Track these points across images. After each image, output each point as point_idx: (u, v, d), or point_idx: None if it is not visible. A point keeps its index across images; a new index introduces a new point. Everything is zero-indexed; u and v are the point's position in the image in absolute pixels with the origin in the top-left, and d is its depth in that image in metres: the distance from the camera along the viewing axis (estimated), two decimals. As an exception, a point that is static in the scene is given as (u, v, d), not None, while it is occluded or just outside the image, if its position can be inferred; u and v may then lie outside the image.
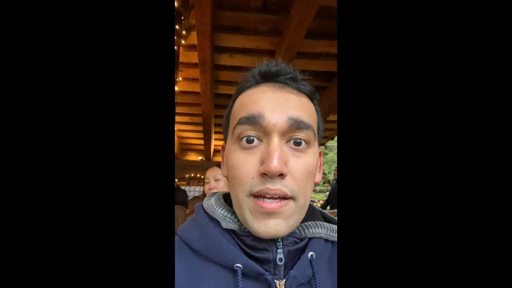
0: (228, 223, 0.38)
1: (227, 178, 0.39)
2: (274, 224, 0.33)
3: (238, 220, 0.38)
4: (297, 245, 0.37)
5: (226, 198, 0.43)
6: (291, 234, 0.37)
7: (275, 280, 0.34)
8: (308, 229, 0.39)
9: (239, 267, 0.34)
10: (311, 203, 0.42)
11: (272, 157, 0.32)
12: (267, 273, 0.34)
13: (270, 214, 0.33)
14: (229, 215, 0.38)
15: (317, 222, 0.40)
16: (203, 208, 0.41)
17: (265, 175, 0.33)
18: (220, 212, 0.39)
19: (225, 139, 0.42)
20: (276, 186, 0.33)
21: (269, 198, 0.33)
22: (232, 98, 0.42)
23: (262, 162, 0.33)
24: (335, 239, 0.41)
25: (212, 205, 0.41)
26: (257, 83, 0.39)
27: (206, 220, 0.39)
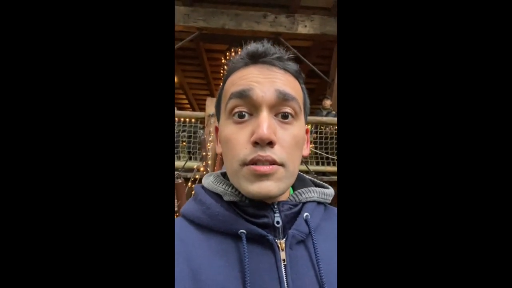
0: (230, 196, 0.41)
1: (222, 155, 0.43)
2: (266, 185, 0.37)
3: (239, 193, 0.41)
4: (291, 210, 0.41)
5: (223, 176, 0.46)
6: (286, 202, 0.41)
7: (276, 240, 0.38)
8: (301, 195, 0.44)
9: (243, 233, 0.38)
10: (300, 173, 0.47)
11: (262, 126, 0.36)
12: (268, 234, 0.38)
13: (263, 176, 0.37)
14: (229, 189, 0.42)
15: (309, 188, 0.45)
16: (203, 188, 0.45)
17: (257, 144, 0.36)
18: (221, 187, 0.42)
19: (218, 120, 0.45)
20: (267, 153, 0.36)
21: (261, 163, 0.37)
22: (223, 79, 0.46)
23: (253, 134, 0.37)
24: (327, 201, 0.46)
25: (212, 182, 0.44)
26: (246, 64, 0.41)
27: (207, 197, 0.42)
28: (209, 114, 3.82)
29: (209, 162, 3.42)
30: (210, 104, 3.95)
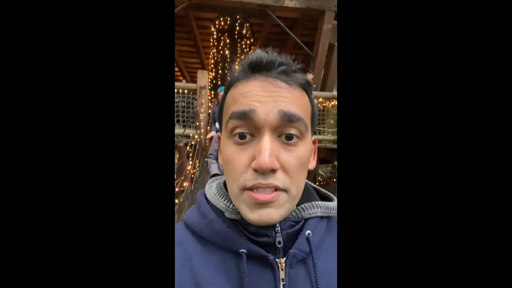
0: (231, 214, 0.40)
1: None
2: (267, 212, 0.36)
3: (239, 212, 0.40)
4: (293, 228, 0.39)
5: (225, 187, 0.43)
6: (288, 219, 0.40)
7: (277, 260, 0.38)
8: (304, 211, 0.42)
9: (244, 252, 0.37)
10: (307, 181, 0.45)
11: (263, 153, 0.34)
12: (269, 254, 0.37)
13: (263, 204, 0.35)
14: (231, 206, 0.41)
15: (313, 203, 0.43)
16: (205, 198, 0.44)
17: (258, 171, 0.35)
18: (222, 203, 0.41)
19: (221, 130, 0.43)
20: (268, 181, 0.35)
21: (262, 191, 0.35)
22: (224, 90, 0.43)
23: (254, 158, 0.35)
24: (330, 214, 0.44)
25: (214, 195, 0.43)
26: (248, 76, 0.39)
27: (210, 211, 0.42)
28: (200, 86, 4.21)
29: (202, 130, 3.90)
30: (201, 77, 4.31)
